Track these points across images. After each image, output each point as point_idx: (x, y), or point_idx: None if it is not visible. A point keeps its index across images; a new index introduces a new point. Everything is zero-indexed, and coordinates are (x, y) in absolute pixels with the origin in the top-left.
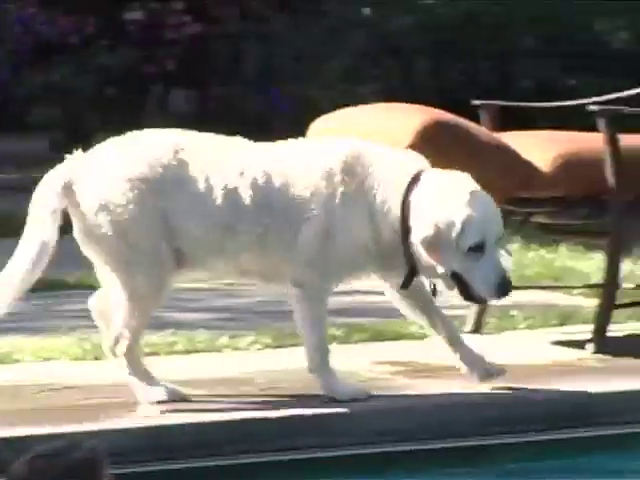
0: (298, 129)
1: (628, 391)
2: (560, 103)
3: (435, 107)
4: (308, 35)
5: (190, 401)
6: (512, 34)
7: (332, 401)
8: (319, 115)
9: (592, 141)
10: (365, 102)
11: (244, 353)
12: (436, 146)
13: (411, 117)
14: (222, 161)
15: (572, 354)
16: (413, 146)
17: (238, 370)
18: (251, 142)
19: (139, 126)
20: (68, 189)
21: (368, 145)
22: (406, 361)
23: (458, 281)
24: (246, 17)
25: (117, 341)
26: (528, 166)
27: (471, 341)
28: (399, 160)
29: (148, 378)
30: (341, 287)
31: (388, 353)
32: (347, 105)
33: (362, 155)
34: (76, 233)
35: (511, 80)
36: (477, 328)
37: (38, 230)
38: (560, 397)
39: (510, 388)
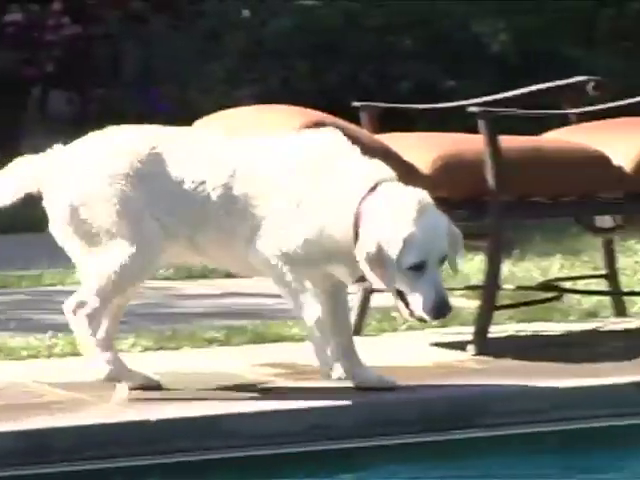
0: None
1: (508, 392)
2: (440, 105)
3: (315, 109)
4: (188, 36)
5: (69, 403)
6: (391, 36)
7: None
8: (199, 117)
9: (472, 143)
10: (245, 104)
11: (125, 355)
12: None
13: (291, 119)
14: (195, 154)
15: (453, 355)
16: None
17: None
18: (226, 137)
19: (19, 129)
20: (43, 182)
21: (341, 146)
22: (288, 363)
23: (402, 298)
24: (126, 18)
25: (81, 305)
26: (409, 168)
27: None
28: (364, 167)
29: (107, 347)
30: (221, 289)
31: (269, 355)
32: (228, 107)
33: (330, 155)
34: (52, 227)
35: (391, 81)
36: (358, 330)
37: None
38: (441, 398)
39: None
